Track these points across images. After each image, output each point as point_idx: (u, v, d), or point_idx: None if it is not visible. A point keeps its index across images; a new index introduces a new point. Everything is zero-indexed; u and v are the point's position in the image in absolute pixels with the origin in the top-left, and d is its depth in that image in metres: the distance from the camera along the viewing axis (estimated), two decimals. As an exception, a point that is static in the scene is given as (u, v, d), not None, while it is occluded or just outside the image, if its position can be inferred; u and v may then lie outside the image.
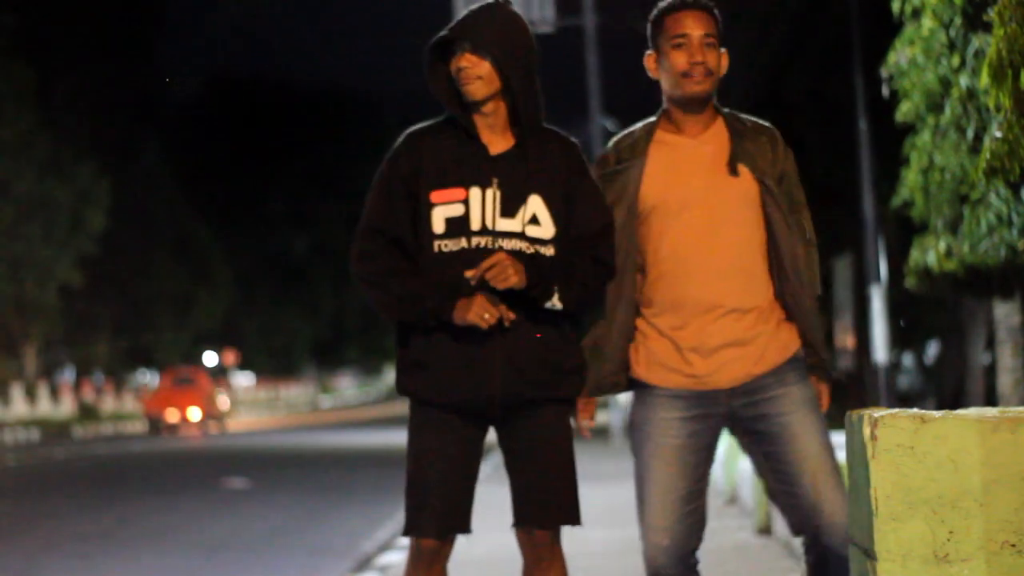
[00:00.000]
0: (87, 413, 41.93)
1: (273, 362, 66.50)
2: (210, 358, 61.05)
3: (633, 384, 4.07)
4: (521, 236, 3.91)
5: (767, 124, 4.07)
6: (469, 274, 3.85)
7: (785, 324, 4.00)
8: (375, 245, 3.96)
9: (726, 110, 4.09)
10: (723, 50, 4.03)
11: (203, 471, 19.10)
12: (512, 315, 3.85)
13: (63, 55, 40.80)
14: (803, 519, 3.97)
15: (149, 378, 55.17)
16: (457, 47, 3.91)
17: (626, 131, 4.17)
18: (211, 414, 40.56)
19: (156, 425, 39.24)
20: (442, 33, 3.95)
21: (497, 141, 3.98)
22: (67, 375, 47.50)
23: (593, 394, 4.08)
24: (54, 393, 41.65)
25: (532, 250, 3.91)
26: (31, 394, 39.61)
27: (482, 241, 3.90)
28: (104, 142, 42.82)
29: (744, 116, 4.10)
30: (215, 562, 9.14)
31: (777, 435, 3.95)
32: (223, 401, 43.18)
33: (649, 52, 4.07)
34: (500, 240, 3.89)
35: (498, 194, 3.92)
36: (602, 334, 4.06)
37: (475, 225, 3.90)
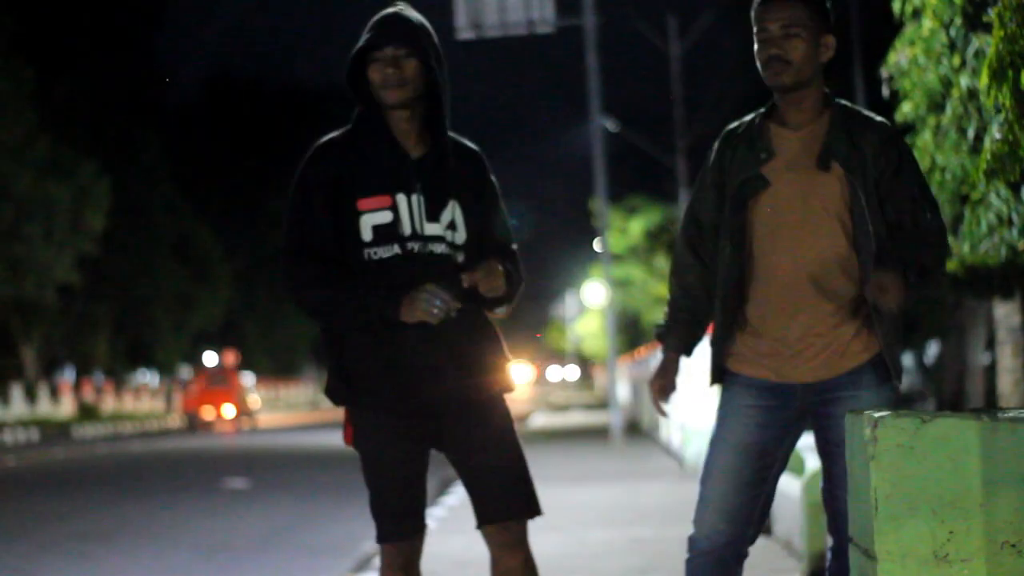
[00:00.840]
0: (87, 413, 41.94)
1: (273, 362, 66.48)
2: (210, 358, 61.04)
3: (720, 369, 4.09)
4: (443, 241, 3.94)
5: (877, 118, 4.02)
6: (464, 278, 3.86)
7: (867, 327, 3.97)
8: (303, 259, 3.98)
9: (841, 102, 4.06)
10: (827, 37, 3.96)
11: (203, 471, 19.10)
12: (459, 305, 3.86)
13: (63, 55, 40.80)
14: (839, 525, 3.96)
15: (149, 378, 55.16)
16: (380, 52, 3.91)
17: (736, 123, 4.15)
18: (243, 411, 42.67)
19: (193, 422, 41.41)
20: (366, 37, 3.93)
21: (414, 146, 3.99)
22: (67, 375, 47.49)
23: (713, 383, 4.12)
24: (54, 393, 41.65)
25: (452, 255, 3.94)
26: (31, 394, 39.61)
27: (415, 246, 3.91)
28: (104, 142, 42.83)
29: (858, 110, 4.06)
30: (215, 562, 9.14)
31: (836, 438, 3.92)
32: (253, 400, 45.24)
33: (756, 47, 4.07)
34: (431, 245, 3.92)
35: (422, 199, 3.93)
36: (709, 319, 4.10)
37: (406, 231, 3.91)
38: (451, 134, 4.04)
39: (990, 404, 16.86)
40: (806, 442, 4.83)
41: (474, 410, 3.96)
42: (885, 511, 3.18)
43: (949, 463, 3.18)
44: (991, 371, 17.18)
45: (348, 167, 3.96)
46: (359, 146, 3.99)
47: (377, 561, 4.18)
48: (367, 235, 3.93)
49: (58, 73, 40.20)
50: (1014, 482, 3.16)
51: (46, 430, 34.25)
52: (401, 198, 3.93)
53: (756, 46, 4.01)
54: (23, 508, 13.67)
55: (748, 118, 4.13)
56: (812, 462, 6.84)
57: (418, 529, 4.02)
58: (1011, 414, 3.27)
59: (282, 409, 61.56)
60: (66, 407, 41.30)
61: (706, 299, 4.11)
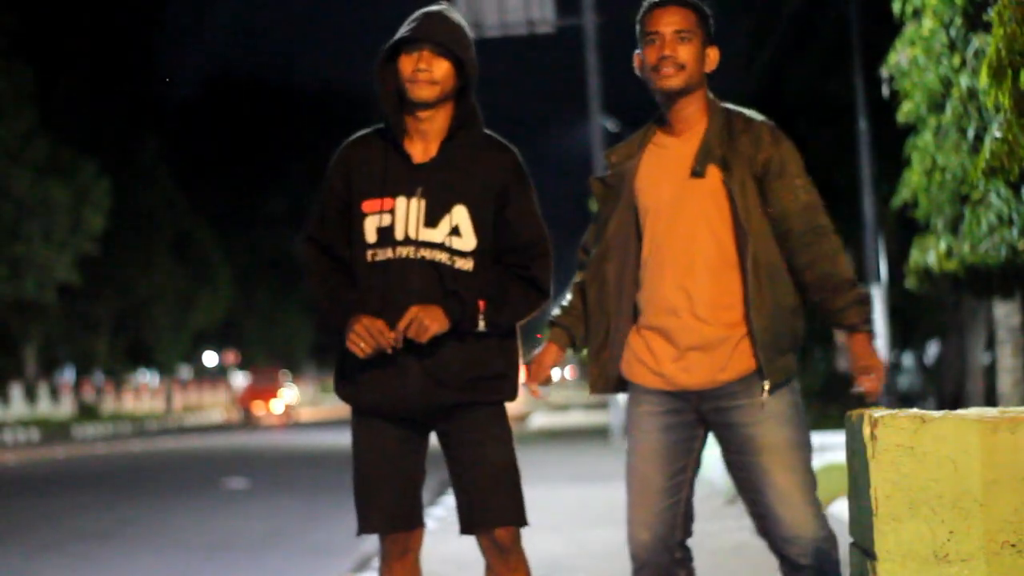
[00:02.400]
0: (87, 413, 41.95)
1: (273, 362, 66.49)
2: (210, 358, 61.04)
3: (621, 380, 4.13)
4: (442, 247, 3.90)
5: (757, 118, 4.03)
6: (389, 336, 3.82)
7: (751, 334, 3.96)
8: (315, 248, 4.04)
9: (726, 106, 4.07)
10: (712, 47, 4.03)
11: (203, 471, 19.10)
12: (392, 344, 3.83)
13: (63, 55, 40.79)
14: (765, 528, 4.00)
15: (149, 378, 55.15)
16: (415, 47, 3.89)
17: (628, 137, 4.19)
18: (288, 407, 49.46)
19: (248, 417, 47.82)
20: (402, 33, 3.92)
21: (426, 149, 3.96)
22: (67, 375, 47.50)
23: (598, 392, 4.14)
24: (54, 393, 41.66)
25: (451, 262, 3.90)
26: (31, 394, 39.62)
27: (405, 251, 3.90)
28: (104, 142, 42.81)
29: (740, 111, 4.07)
30: (215, 562, 9.14)
31: (741, 445, 3.97)
32: (294, 396, 52.18)
33: (636, 51, 4.10)
34: (422, 250, 3.89)
35: (422, 203, 3.91)
36: (605, 334, 4.10)
37: (399, 235, 3.91)
38: (487, 131, 4.02)
39: (990, 404, 16.86)
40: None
41: (459, 416, 3.95)
42: (885, 511, 3.18)
43: (949, 463, 3.18)
44: (991, 371, 17.18)
45: (361, 169, 3.98)
46: (374, 148, 4.00)
47: (377, 561, 4.23)
48: (371, 237, 3.94)
49: (58, 73, 40.17)
50: (1014, 482, 3.16)
51: (46, 430, 34.26)
52: (401, 201, 3.92)
53: (642, 50, 4.03)
54: (23, 508, 13.67)
55: (638, 132, 4.17)
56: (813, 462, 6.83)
57: (407, 526, 4.01)
58: (1011, 414, 3.27)
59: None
60: (66, 407, 41.31)
61: (598, 309, 4.12)
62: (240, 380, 58.65)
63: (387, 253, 3.92)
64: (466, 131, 3.96)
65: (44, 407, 39.68)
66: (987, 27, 7.21)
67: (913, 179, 9.11)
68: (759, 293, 3.91)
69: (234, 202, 59.79)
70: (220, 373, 62.01)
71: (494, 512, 3.95)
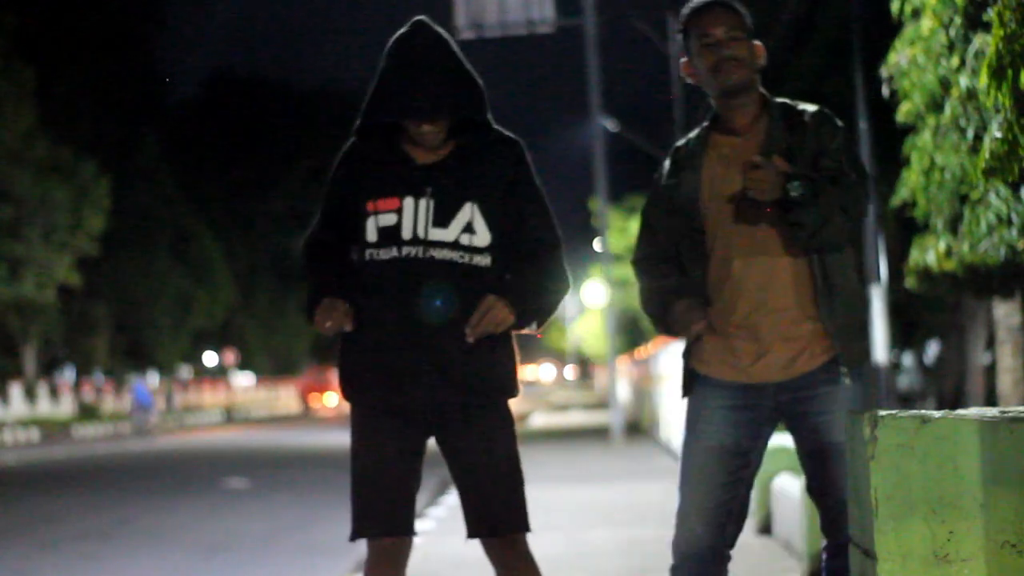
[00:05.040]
0: (87, 413, 41.96)
1: (273, 362, 66.46)
2: (210, 358, 61.02)
3: (691, 374, 4.10)
4: (454, 246, 3.89)
5: (813, 108, 4.05)
6: (468, 334, 3.82)
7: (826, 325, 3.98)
8: (312, 249, 4.05)
9: (779, 100, 4.09)
10: (756, 42, 4.05)
11: (203, 471, 19.10)
12: (350, 326, 3.87)
13: (63, 55, 40.78)
14: (831, 525, 3.96)
15: (149, 378, 55.16)
16: (413, 120, 3.88)
17: (683, 139, 4.18)
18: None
19: (307, 409, 57.05)
20: (390, 106, 3.89)
21: (433, 149, 3.95)
22: (67, 375, 47.50)
23: (686, 395, 4.12)
24: (54, 393, 41.65)
25: (465, 260, 3.89)
26: (31, 394, 39.61)
27: (412, 251, 3.88)
28: (104, 142, 42.81)
29: (794, 103, 4.09)
30: (215, 562, 9.14)
31: (813, 434, 3.95)
32: None
33: (684, 59, 4.10)
34: (431, 250, 3.88)
35: (431, 203, 3.90)
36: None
37: (406, 235, 3.89)
38: (495, 126, 4.01)
39: (990, 404, 16.86)
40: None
41: (465, 417, 3.92)
42: (885, 511, 3.18)
43: (949, 463, 3.18)
44: (991, 371, 17.17)
45: (366, 167, 3.97)
46: (379, 146, 3.99)
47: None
48: (372, 236, 3.92)
49: (58, 73, 40.16)
50: (1014, 482, 3.16)
51: (46, 430, 34.26)
52: (408, 201, 3.90)
53: (700, 55, 4.02)
54: (23, 508, 13.67)
55: (694, 132, 4.16)
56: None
57: (402, 531, 3.94)
58: (1011, 414, 3.27)
59: (282, 410, 61.64)
60: (66, 407, 41.30)
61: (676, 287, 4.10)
62: (239, 379, 63.13)
63: (391, 252, 3.89)
64: (474, 127, 3.97)
65: (44, 407, 39.67)
66: (987, 27, 7.21)
67: (911, 179, 9.10)
68: (829, 281, 3.94)
69: (234, 202, 59.78)
70: (220, 373, 61.96)
71: (500, 518, 3.93)
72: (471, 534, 3.97)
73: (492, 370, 3.93)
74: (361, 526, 3.93)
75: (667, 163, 4.16)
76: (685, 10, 4.08)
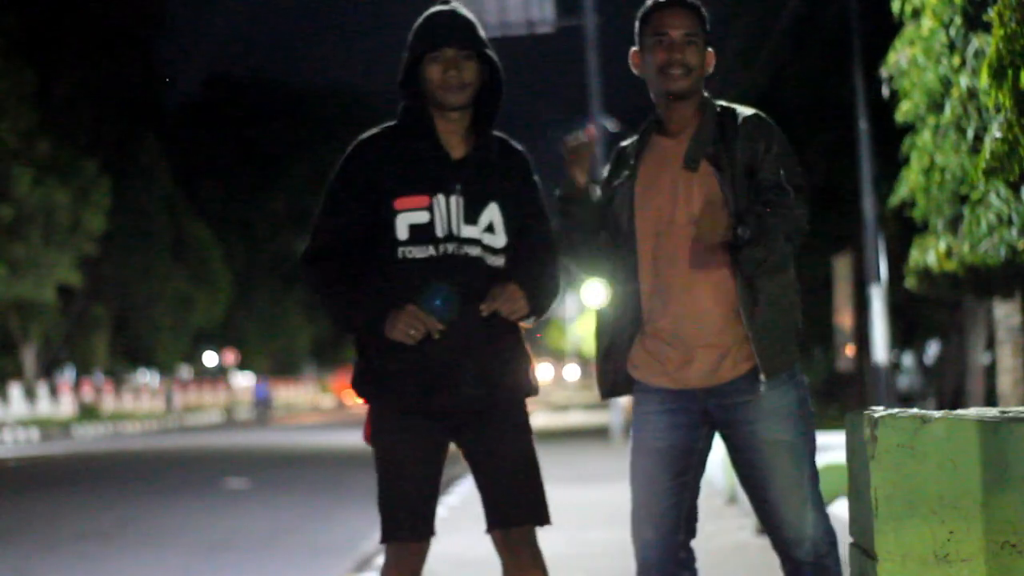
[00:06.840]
0: (87, 413, 41.96)
1: (273, 362, 66.46)
2: (210, 358, 61.03)
3: (626, 379, 4.12)
4: (479, 244, 3.92)
5: (749, 112, 4.02)
6: (483, 308, 3.84)
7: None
8: (322, 254, 3.97)
9: (720, 103, 4.07)
10: (709, 49, 4.04)
11: (203, 471, 19.09)
12: (440, 327, 3.84)
13: (63, 55, 40.77)
14: (769, 528, 3.99)
15: (149, 378, 55.18)
16: (440, 52, 3.89)
17: (627, 140, 4.19)
18: None
19: (341, 404, 61.36)
20: (421, 37, 3.91)
21: (458, 146, 3.97)
22: (67, 375, 47.49)
23: (607, 396, 4.16)
24: (54, 393, 41.65)
25: (485, 258, 3.92)
26: (31, 394, 39.60)
27: (449, 248, 3.89)
28: (104, 142, 42.79)
29: (733, 107, 4.07)
30: (215, 562, 9.13)
31: (744, 443, 3.96)
32: None
33: (634, 48, 4.09)
34: (465, 247, 3.89)
35: (461, 200, 3.91)
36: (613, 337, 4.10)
37: (440, 232, 3.89)
38: (497, 133, 4.03)
39: (990, 404, 16.86)
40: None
41: (493, 414, 3.97)
42: (885, 511, 3.18)
43: (949, 463, 3.18)
44: (991, 371, 17.18)
45: (388, 165, 3.94)
46: (401, 144, 3.97)
47: (377, 561, 4.21)
48: (402, 234, 3.90)
49: (58, 73, 40.16)
50: (1014, 482, 3.16)
51: (46, 430, 34.25)
52: (439, 199, 3.91)
53: (650, 50, 4.00)
54: (23, 508, 13.67)
55: (640, 130, 4.15)
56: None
57: (425, 533, 3.98)
58: (1011, 414, 3.27)
59: (281, 410, 61.70)
60: (66, 407, 41.30)
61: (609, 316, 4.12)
62: (239, 379, 63.23)
63: (427, 250, 3.89)
64: (490, 127, 4.00)
65: (44, 407, 39.66)
66: (987, 27, 7.21)
67: (911, 178, 9.11)
68: (753, 289, 3.91)
69: (234, 202, 59.77)
70: (220, 373, 61.98)
71: (524, 510, 3.97)
72: (494, 526, 3.99)
73: (518, 369, 3.99)
74: (391, 529, 3.96)
75: (611, 161, 4.17)
76: (649, 1, 4.05)
